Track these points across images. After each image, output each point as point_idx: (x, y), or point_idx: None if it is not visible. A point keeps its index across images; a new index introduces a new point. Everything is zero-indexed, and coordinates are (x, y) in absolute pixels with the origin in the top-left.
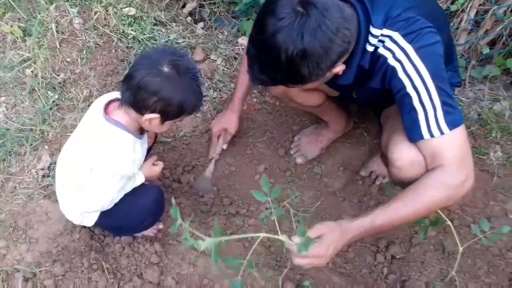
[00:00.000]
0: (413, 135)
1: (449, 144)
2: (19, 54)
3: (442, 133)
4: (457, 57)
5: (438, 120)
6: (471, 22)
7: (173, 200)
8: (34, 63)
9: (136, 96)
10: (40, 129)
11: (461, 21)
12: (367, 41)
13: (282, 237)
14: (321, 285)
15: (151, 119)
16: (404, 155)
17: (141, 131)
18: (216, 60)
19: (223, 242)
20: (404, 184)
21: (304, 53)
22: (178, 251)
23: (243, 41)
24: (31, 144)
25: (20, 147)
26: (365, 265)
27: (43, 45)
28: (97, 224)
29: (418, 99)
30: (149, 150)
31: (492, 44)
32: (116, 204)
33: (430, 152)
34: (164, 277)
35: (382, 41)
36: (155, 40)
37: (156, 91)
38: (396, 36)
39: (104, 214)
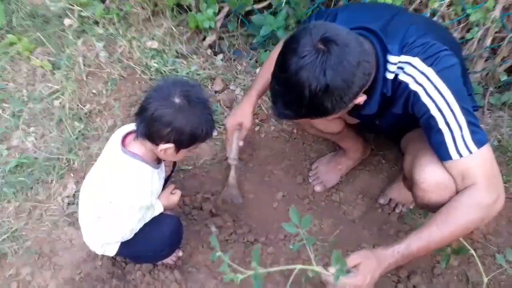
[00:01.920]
0: (441, 156)
1: (479, 163)
2: (48, 86)
3: (470, 152)
4: (471, 81)
5: (465, 140)
6: (487, 50)
7: (213, 229)
8: (62, 95)
9: (150, 128)
10: (67, 158)
11: (475, 49)
12: (386, 69)
13: (319, 268)
14: None
15: (166, 149)
16: (429, 177)
17: (158, 161)
18: (235, 90)
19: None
20: (429, 208)
21: (327, 88)
22: (198, 279)
23: None
24: (58, 173)
25: (47, 175)
26: None
27: (70, 77)
28: (118, 254)
29: (443, 121)
30: (167, 179)
31: (510, 71)
32: (135, 234)
33: (460, 172)
34: None
35: (402, 68)
36: (177, 71)
37: (169, 122)
38: (416, 61)
39: (124, 244)
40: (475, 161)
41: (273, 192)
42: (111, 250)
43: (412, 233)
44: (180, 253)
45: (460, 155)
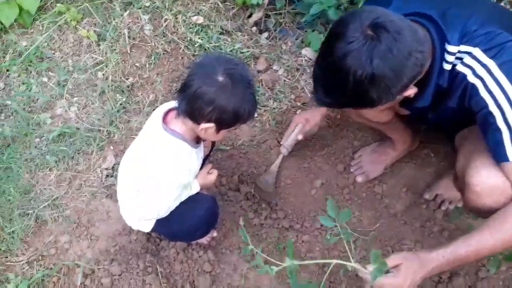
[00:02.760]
0: (498, 157)
1: None
2: (92, 57)
3: None
4: None
5: None
6: None
7: (241, 222)
8: (106, 67)
9: (192, 106)
10: (107, 130)
11: None
12: (443, 59)
13: (356, 265)
14: None
15: (207, 128)
16: (484, 179)
17: (197, 140)
18: (278, 71)
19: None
20: (480, 213)
21: (373, 77)
22: (231, 260)
23: (307, 52)
24: (98, 144)
25: (88, 147)
26: None
27: (115, 49)
28: (153, 230)
29: (502, 118)
30: (205, 158)
31: None
32: (171, 213)
33: None
34: (216, 287)
35: (460, 58)
36: (221, 49)
37: (212, 101)
38: (476, 51)
39: (159, 222)
40: None
41: (312, 179)
42: (146, 226)
43: (461, 237)
44: (215, 234)
45: None
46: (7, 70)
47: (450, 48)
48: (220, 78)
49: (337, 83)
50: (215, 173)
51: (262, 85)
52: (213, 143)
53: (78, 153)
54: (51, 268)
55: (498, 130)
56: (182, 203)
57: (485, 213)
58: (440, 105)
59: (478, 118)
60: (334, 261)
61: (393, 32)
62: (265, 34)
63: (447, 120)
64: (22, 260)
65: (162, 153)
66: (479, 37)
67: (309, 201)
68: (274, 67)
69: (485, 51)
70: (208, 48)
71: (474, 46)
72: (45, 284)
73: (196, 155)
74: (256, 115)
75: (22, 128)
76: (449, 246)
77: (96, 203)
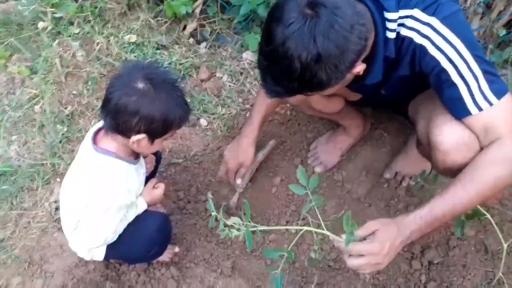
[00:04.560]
0: (459, 112)
1: (502, 115)
2: (27, 92)
3: (490, 104)
4: None
5: (483, 91)
6: (481, 5)
7: (209, 195)
8: (42, 99)
9: (117, 120)
10: (51, 163)
11: (470, 5)
12: (385, 29)
13: (329, 233)
14: None
15: (139, 140)
16: (449, 136)
17: (135, 156)
18: (222, 77)
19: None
20: (452, 172)
21: (319, 57)
22: (197, 273)
23: (247, 55)
24: (43, 178)
25: (32, 182)
26: (400, 274)
27: (49, 80)
28: (106, 257)
29: (456, 72)
30: (152, 174)
31: (508, 26)
32: (120, 236)
33: (482, 128)
34: None
35: (402, 24)
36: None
37: (136, 111)
38: (416, 12)
39: (110, 248)
40: (497, 113)
41: (271, 178)
42: (98, 254)
43: (435, 196)
44: (177, 249)
45: (480, 109)
46: None
47: (390, 15)
48: (140, 85)
49: (284, 70)
50: (161, 187)
51: (208, 93)
52: (157, 158)
53: (23, 190)
54: None
55: (453, 85)
56: (130, 224)
57: (457, 172)
58: (392, 77)
59: (431, 79)
60: (305, 228)
61: (331, 7)
62: (204, 44)
63: (401, 92)
64: None
65: (96, 176)
66: None
67: (271, 199)
68: (218, 74)
69: (424, 10)
70: None
71: (412, 8)
72: None
73: (136, 172)
74: (206, 122)
75: None
76: (425, 206)
77: (47, 238)
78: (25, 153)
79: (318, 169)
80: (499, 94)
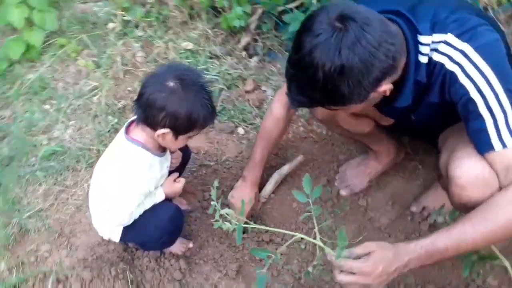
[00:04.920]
0: (482, 146)
1: None
2: (88, 83)
3: None
4: None
5: (510, 127)
6: None
7: (215, 183)
8: (100, 91)
9: (146, 113)
10: (97, 149)
11: None
12: (418, 52)
13: (320, 242)
14: None
15: (164, 134)
16: (467, 171)
17: (162, 149)
18: (266, 91)
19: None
20: (467, 208)
21: (342, 69)
22: (203, 270)
23: None
24: (87, 161)
25: (77, 164)
26: None
27: (108, 75)
28: (122, 239)
29: (484, 104)
30: (176, 171)
31: None
32: (135, 220)
33: (504, 166)
34: None
35: (435, 49)
36: (208, 71)
37: (163, 106)
38: (450, 38)
39: (125, 230)
40: None
41: None
42: (115, 235)
43: (442, 229)
44: (191, 245)
45: (504, 145)
46: (14, 99)
47: (423, 39)
48: (171, 84)
49: (307, 79)
50: (182, 181)
51: (249, 104)
52: (186, 155)
53: (67, 170)
54: (28, 274)
55: (480, 117)
56: (146, 211)
57: (471, 209)
58: (423, 103)
59: (459, 108)
60: (298, 235)
61: (361, 22)
62: (255, 58)
63: (431, 120)
64: (2, 266)
65: (122, 162)
66: (450, 23)
67: (291, 214)
68: (263, 88)
69: (458, 36)
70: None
71: (447, 32)
72: None
73: (159, 164)
74: (243, 131)
75: (20, 149)
76: (429, 237)
77: (80, 215)
78: (77, 137)
79: (344, 192)
80: None
